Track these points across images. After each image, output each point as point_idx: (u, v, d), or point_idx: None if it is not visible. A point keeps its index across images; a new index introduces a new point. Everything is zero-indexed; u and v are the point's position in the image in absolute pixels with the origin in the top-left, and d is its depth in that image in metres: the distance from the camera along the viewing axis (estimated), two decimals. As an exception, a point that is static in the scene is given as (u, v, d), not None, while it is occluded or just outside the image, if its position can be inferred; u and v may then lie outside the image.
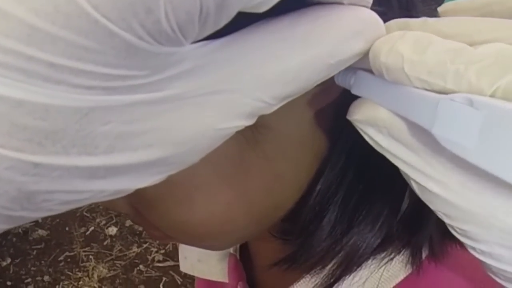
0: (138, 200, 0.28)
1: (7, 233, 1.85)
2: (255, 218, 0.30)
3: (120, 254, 1.85)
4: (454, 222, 0.19)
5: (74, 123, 0.14)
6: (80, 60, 0.13)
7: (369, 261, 0.32)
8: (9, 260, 1.81)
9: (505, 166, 0.15)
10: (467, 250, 0.35)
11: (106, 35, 0.13)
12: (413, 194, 0.32)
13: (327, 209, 0.31)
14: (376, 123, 0.20)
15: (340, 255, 0.32)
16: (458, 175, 0.18)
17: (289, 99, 0.19)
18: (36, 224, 1.88)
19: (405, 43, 0.18)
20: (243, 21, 0.17)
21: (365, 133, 0.21)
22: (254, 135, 0.26)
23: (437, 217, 0.33)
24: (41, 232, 1.88)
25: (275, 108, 0.18)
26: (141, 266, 1.82)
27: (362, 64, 0.21)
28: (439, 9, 0.22)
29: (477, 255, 0.19)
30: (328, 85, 0.25)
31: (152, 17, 0.13)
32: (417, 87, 0.18)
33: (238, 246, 0.46)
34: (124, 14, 0.13)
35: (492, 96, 0.15)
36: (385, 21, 0.22)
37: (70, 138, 0.14)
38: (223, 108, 0.17)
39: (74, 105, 0.14)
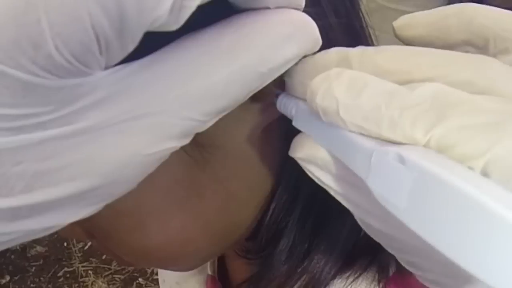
0: (93, 230, 0.28)
1: (5, 250, 1.85)
2: (214, 238, 0.30)
3: (118, 268, 1.84)
4: (400, 254, 0.19)
5: None
6: None
7: (335, 281, 0.32)
8: (8, 278, 1.80)
9: (430, 231, 0.15)
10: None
11: None
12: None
13: (284, 227, 0.31)
14: (316, 162, 0.20)
15: (303, 278, 0.31)
16: None
17: (224, 113, 0.18)
18: (34, 240, 1.87)
19: (340, 85, 0.17)
20: (165, 38, 0.16)
21: (308, 170, 0.21)
22: (203, 156, 0.25)
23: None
24: (40, 248, 1.88)
25: (210, 124, 0.18)
26: (140, 280, 1.81)
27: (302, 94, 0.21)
28: (395, 23, 0.22)
29: (425, 283, 0.19)
30: (271, 100, 0.25)
31: (42, 52, 0.13)
32: (354, 132, 0.17)
33: (215, 266, 0.46)
34: (10, 53, 0.13)
35: (426, 145, 0.15)
36: (321, 25, 0.21)
37: None
38: (148, 132, 0.16)
39: None
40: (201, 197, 0.27)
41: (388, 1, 1.39)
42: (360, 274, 0.32)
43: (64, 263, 1.85)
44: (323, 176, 0.20)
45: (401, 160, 0.15)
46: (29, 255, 1.86)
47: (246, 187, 0.29)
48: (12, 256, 1.85)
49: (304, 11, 0.20)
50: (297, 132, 0.27)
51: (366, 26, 0.33)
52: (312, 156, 0.20)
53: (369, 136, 0.17)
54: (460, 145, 0.14)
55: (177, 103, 0.16)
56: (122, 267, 1.84)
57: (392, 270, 0.33)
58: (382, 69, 0.18)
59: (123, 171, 0.16)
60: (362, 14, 0.32)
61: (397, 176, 0.15)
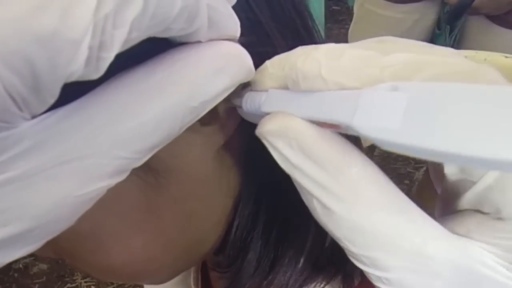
0: (59, 251, 0.28)
1: (8, 269, 1.86)
2: (178, 254, 0.30)
3: (121, 283, 1.85)
4: (359, 249, 0.18)
5: None
6: None
7: None
8: (12, 296, 1.81)
9: (432, 136, 0.14)
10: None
11: None
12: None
13: (249, 241, 0.32)
14: (287, 133, 0.19)
15: None
16: (366, 192, 0.18)
17: (158, 148, 0.18)
18: (36, 258, 1.89)
19: (321, 52, 0.18)
20: (95, 80, 0.16)
21: (274, 147, 0.20)
22: (158, 181, 0.26)
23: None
24: (42, 266, 1.89)
25: (145, 159, 0.18)
26: (142, 293, 1.81)
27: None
28: None
29: (384, 287, 0.18)
30: (222, 122, 0.25)
31: None
32: (333, 90, 0.18)
33: (199, 278, 0.47)
34: None
35: None
36: (263, 51, 0.21)
37: None
38: (78, 175, 0.16)
39: None
40: (159, 218, 0.27)
41: (376, 7, 1.40)
42: (325, 285, 0.33)
43: (67, 279, 1.86)
44: (290, 153, 0.19)
45: (394, 88, 0.16)
46: (31, 272, 1.87)
47: (205, 206, 0.30)
48: (16, 275, 1.86)
49: (242, 40, 0.21)
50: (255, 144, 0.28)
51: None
52: (284, 126, 0.19)
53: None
54: None
55: (107, 144, 0.17)
56: (124, 281, 1.84)
57: (357, 281, 0.34)
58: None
59: (56, 212, 0.17)
60: (320, 36, 0.33)
61: (389, 102, 0.15)
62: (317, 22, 0.33)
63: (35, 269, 1.89)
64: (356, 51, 0.18)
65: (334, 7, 3.68)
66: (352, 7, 1.53)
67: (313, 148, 0.18)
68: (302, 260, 0.33)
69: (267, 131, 0.20)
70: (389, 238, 0.17)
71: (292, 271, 0.33)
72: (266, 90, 0.21)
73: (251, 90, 0.22)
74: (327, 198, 0.18)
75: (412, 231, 0.17)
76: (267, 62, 0.21)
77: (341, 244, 0.19)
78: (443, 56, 0.17)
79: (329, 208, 0.18)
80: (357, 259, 0.19)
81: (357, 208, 0.18)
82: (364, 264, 0.18)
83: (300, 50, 0.20)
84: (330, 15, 3.39)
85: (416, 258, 0.17)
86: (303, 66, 0.18)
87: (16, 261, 1.87)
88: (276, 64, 0.21)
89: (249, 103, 0.22)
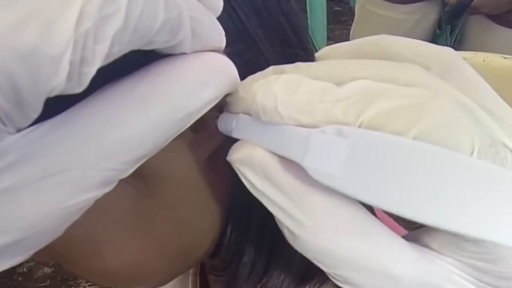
0: (54, 256, 0.29)
1: (12, 273, 1.87)
2: (171, 259, 0.31)
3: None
4: (330, 269, 0.19)
5: None
6: None
7: None
8: (16, 300, 1.82)
9: (369, 190, 0.15)
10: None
11: None
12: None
13: (243, 245, 0.32)
14: (252, 162, 0.20)
15: None
16: (328, 218, 0.18)
17: (145, 159, 0.18)
18: (40, 262, 1.90)
19: (279, 84, 0.19)
20: (79, 94, 0.16)
21: (242, 174, 0.21)
22: (149, 188, 0.26)
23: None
24: (46, 269, 1.89)
25: (132, 170, 0.18)
26: (146, 296, 1.81)
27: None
28: (317, 54, 0.23)
29: None
30: (211, 130, 0.26)
31: None
32: (290, 125, 0.18)
33: (197, 282, 0.47)
34: None
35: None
36: (246, 58, 0.22)
37: None
38: (64, 187, 0.17)
39: None
40: (152, 224, 0.28)
41: (378, 8, 1.41)
42: (319, 287, 0.34)
43: (71, 283, 1.86)
44: (257, 181, 0.20)
45: (339, 132, 0.16)
46: (35, 276, 1.88)
47: (197, 211, 0.30)
48: (20, 278, 1.87)
49: (229, 49, 0.21)
50: None
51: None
52: (249, 155, 0.20)
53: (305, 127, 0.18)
54: (389, 124, 0.16)
55: (94, 156, 0.17)
56: (128, 284, 1.85)
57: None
58: (314, 76, 0.19)
59: (44, 224, 0.17)
60: (313, 44, 0.33)
61: (334, 148, 0.16)
62: (318, 23, 0.33)
63: (39, 273, 1.90)
64: (312, 84, 0.18)
65: (336, 8, 3.68)
66: (354, 7, 1.53)
67: (276, 176, 0.19)
68: (295, 263, 0.33)
69: (235, 159, 0.21)
70: (355, 261, 0.18)
71: (286, 274, 0.33)
72: (238, 113, 0.22)
73: (226, 111, 0.23)
74: (291, 223, 0.19)
75: (377, 254, 0.18)
76: (240, 85, 0.22)
77: (313, 262, 0.19)
78: (410, 76, 0.17)
79: (295, 234, 0.19)
80: (331, 276, 0.19)
81: (320, 234, 0.18)
82: (338, 281, 0.19)
83: (262, 82, 0.20)
84: (332, 16, 3.39)
85: (384, 277, 0.18)
86: (262, 100, 0.19)
87: (20, 265, 1.87)
88: (247, 88, 0.21)
89: (223, 125, 0.23)
